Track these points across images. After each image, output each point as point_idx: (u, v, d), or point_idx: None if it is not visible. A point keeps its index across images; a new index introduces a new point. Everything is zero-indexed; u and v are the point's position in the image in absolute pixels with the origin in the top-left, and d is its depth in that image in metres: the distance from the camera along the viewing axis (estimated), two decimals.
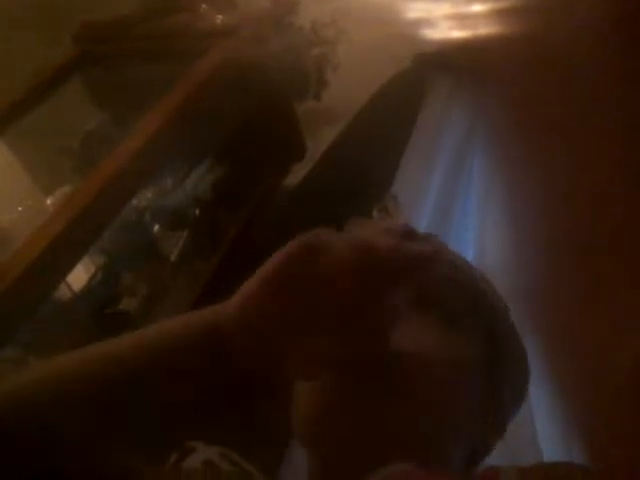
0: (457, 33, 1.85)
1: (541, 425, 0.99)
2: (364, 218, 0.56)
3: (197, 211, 1.66)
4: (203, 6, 1.77)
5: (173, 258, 1.63)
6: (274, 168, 1.82)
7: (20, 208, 1.58)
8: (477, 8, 1.75)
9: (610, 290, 0.86)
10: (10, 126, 1.69)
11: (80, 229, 1.20)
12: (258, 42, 1.64)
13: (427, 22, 1.88)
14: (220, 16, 1.71)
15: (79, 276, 1.44)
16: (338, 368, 0.51)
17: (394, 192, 1.36)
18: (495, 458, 0.62)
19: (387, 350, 0.51)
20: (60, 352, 0.52)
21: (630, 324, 0.78)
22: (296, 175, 1.80)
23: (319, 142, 1.80)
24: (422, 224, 1.36)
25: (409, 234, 0.54)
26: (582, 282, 0.94)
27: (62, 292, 1.40)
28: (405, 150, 1.53)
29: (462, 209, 1.44)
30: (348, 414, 0.52)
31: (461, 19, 1.78)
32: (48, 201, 1.59)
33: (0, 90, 1.72)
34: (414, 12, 1.94)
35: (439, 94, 1.66)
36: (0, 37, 1.89)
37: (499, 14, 1.58)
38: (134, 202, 1.54)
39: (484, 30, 1.68)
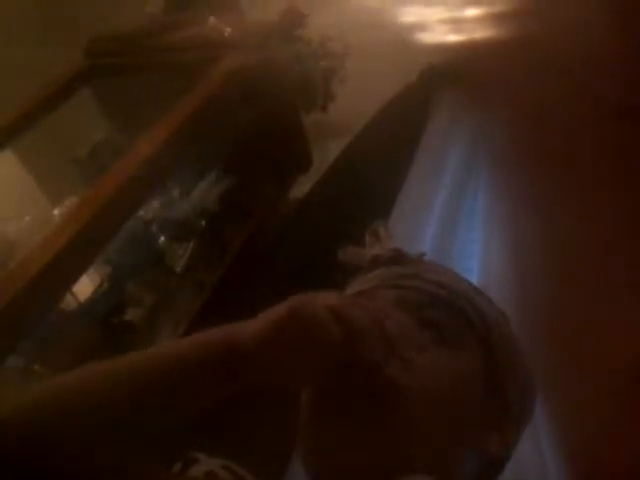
0: (453, 37, 1.86)
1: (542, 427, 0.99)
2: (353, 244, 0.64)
3: (203, 222, 1.66)
4: (211, 19, 1.78)
5: (178, 269, 1.63)
6: (280, 180, 1.82)
7: (27, 218, 1.59)
8: (472, 12, 1.76)
9: (611, 300, 0.86)
10: (19, 136, 1.71)
11: (86, 239, 1.20)
12: (266, 55, 1.65)
13: (422, 27, 1.90)
14: (228, 29, 1.72)
15: (85, 286, 1.45)
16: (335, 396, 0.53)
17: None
18: None
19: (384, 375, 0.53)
20: (65, 361, 0.53)
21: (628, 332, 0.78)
22: (301, 187, 1.80)
23: (325, 154, 1.81)
24: (427, 239, 1.35)
25: (397, 258, 0.63)
26: (584, 294, 0.94)
27: (68, 302, 1.41)
28: (411, 164, 1.53)
29: (467, 225, 1.44)
30: (350, 440, 0.53)
31: (457, 23, 1.79)
32: (55, 211, 1.59)
33: (5, 98, 1.73)
34: (409, 16, 1.95)
35: (444, 109, 1.67)
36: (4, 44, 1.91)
37: (494, 18, 1.59)
38: (141, 213, 1.55)
39: (480, 34, 1.70)
